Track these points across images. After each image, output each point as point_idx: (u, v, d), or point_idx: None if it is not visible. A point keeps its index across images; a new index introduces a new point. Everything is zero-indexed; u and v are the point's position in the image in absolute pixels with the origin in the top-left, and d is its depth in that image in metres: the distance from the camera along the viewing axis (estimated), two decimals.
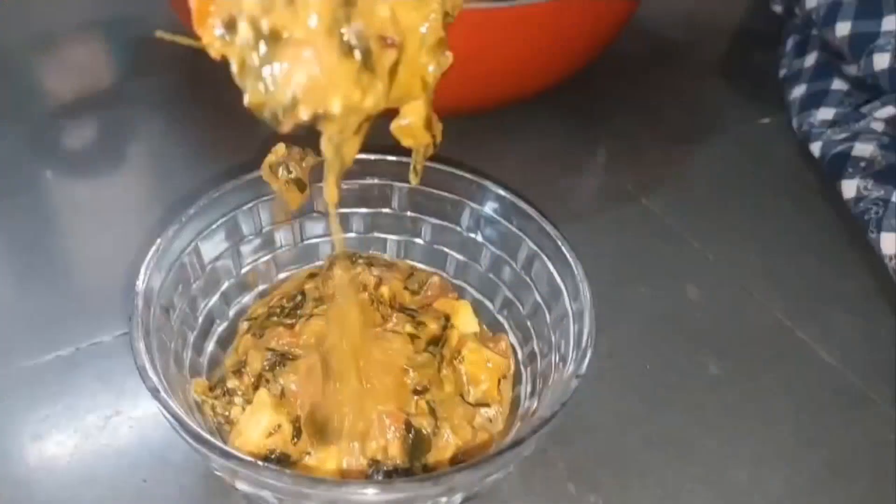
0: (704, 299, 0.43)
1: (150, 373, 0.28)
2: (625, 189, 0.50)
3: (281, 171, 0.35)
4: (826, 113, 0.53)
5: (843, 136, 0.50)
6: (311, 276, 0.37)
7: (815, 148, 0.52)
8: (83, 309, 0.40)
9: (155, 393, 0.27)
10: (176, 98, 0.55)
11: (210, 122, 0.53)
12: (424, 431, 0.31)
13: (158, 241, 0.32)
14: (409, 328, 0.33)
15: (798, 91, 0.56)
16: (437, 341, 0.34)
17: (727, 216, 0.49)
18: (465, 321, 0.36)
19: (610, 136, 0.55)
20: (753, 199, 0.50)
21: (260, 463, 0.25)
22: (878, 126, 0.50)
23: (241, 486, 0.27)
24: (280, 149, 0.36)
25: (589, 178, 0.51)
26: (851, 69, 0.53)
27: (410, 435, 0.30)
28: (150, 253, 0.31)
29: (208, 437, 0.26)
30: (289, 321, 0.34)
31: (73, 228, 0.46)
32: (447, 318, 0.35)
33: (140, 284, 0.30)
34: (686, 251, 0.46)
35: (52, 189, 0.49)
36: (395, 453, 0.30)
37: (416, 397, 0.31)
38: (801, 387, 0.39)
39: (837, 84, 0.54)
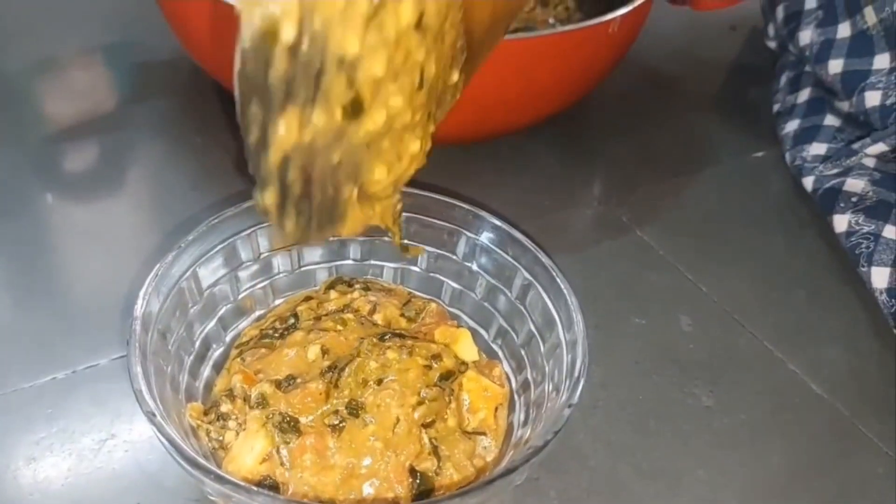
0: (697, 330, 0.43)
1: (147, 397, 0.28)
2: (619, 220, 0.50)
3: None
4: (818, 148, 0.54)
5: (835, 171, 0.51)
6: (307, 298, 0.37)
7: (808, 182, 0.52)
8: (80, 332, 0.40)
9: (151, 417, 0.27)
10: (176, 124, 0.56)
11: (209, 149, 0.53)
12: (429, 474, 0.31)
13: (157, 266, 0.32)
14: (421, 361, 0.33)
15: (791, 126, 0.57)
16: (448, 376, 0.34)
17: (721, 248, 0.49)
18: (465, 349, 0.36)
19: (605, 168, 0.56)
20: (747, 231, 0.51)
21: (254, 488, 0.25)
22: (870, 162, 0.51)
23: None
24: None
25: (584, 209, 0.52)
26: (844, 105, 0.54)
27: (416, 481, 0.31)
28: (149, 278, 0.32)
29: (202, 461, 0.26)
30: (273, 342, 0.34)
31: (72, 252, 0.46)
32: (463, 362, 0.35)
33: (138, 309, 0.31)
34: (679, 283, 0.46)
35: (51, 212, 0.49)
36: (405, 500, 0.30)
37: (422, 431, 0.32)
38: (792, 419, 0.39)
39: (830, 120, 0.55)
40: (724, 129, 0.61)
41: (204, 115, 0.56)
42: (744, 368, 0.41)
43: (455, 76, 0.29)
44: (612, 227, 0.50)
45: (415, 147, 0.28)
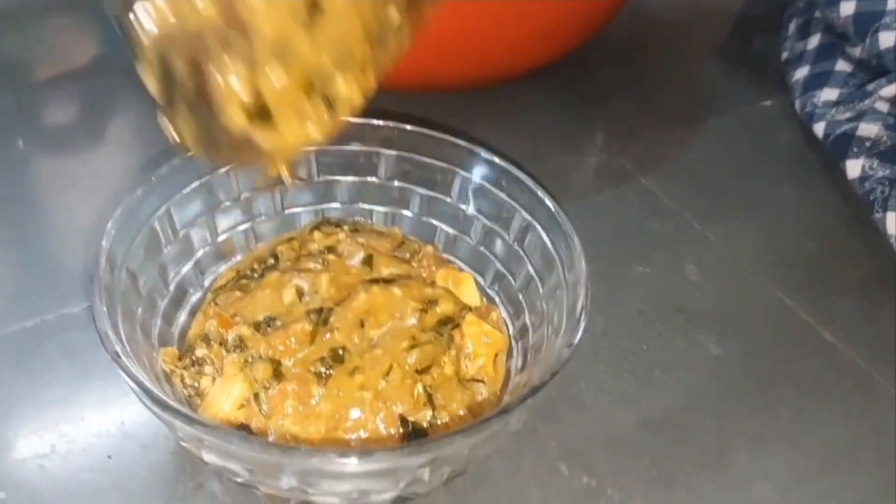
0: (704, 279, 0.41)
1: (112, 336, 0.26)
2: (623, 168, 0.48)
3: None
4: (830, 93, 0.51)
5: (848, 115, 0.49)
6: (290, 239, 0.35)
7: (819, 128, 0.50)
8: (51, 280, 0.38)
9: (115, 357, 0.25)
10: None
11: None
12: (423, 424, 0.29)
13: (125, 200, 0.30)
14: (414, 304, 0.31)
15: (801, 73, 0.54)
16: (447, 322, 0.31)
17: (728, 197, 0.47)
18: (468, 294, 0.34)
19: (608, 116, 0.53)
20: (755, 179, 0.49)
21: (226, 428, 0.23)
22: (883, 106, 0.48)
23: (210, 457, 0.25)
24: None
25: (586, 156, 0.49)
26: (855, 50, 0.52)
27: (408, 431, 0.28)
28: (118, 212, 0.30)
29: (172, 402, 0.24)
30: (249, 284, 0.32)
31: (47, 199, 0.44)
32: (464, 306, 0.33)
33: (105, 244, 0.28)
34: (685, 231, 0.44)
35: (29, 161, 0.46)
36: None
37: (417, 379, 0.29)
38: (804, 368, 0.37)
39: (841, 65, 0.53)
40: (730, 77, 0.59)
41: None
42: (753, 317, 0.39)
43: (394, 15, 0.26)
44: (614, 175, 0.47)
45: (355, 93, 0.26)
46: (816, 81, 0.53)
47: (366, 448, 0.24)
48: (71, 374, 0.33)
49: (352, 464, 0.23)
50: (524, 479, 0.31)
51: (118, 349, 0.25)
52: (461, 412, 0.29)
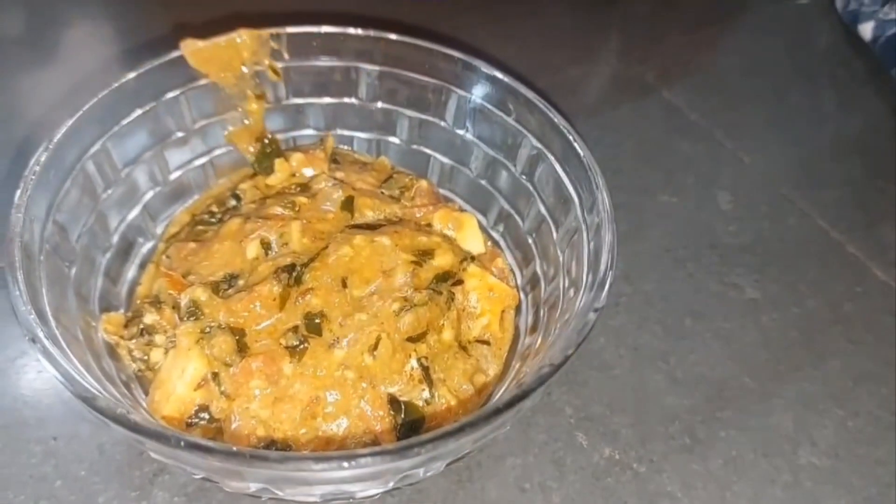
0: (739, 209, 0.36)
1: (28, 313, 0.21)
2: (643, 80, 0.42)
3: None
4: None
5: None
6: (254, 175, 0.30)
7: (866, 30, 0.44)
8: None
9: (32, 342, 0.20)
10: None
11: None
12: (419, 405, 0.24)
13: (45, 142, 0.24)
14: (406, 256, 0.26)
15: None
16: (446, 277, 0.27)
17: (762, 112, 0.42)
18: (471, 239, 0.29)
19: (624, 19, 0.47)
20: (792, 92, 0.43)
21: (171, 434, 0.19)
22: None
23: (158, 457, 0.21)
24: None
25: (600, 65, 0.44)
26: None
27: (400, 416, 0.24)
28: (36, 155, 0.24)
29: (106, 399, 0.19)
30: (206, 231, 0.27)
31: None
32: (465, 256, 0.28)
33: (21, 195, 0.23)
34: (716, 152, 0.39)
35: None
36: (386, 439, 0.23)
37: (410, 350, 0.25)
38: (855, 312, 0.33)
39: None
40: None
41: None
42: (795, 253, 0.35)
43: None
44: (633, 87, 0.42)
45: None
46: None
47: (348, 452, 0.19)
48: (10, 337, 0.29)
49: (330, 471, 0.19)
50: (536, 454, 0.27)
51: (37, 329, 0.20)
52: (464, 386, 0.25)
